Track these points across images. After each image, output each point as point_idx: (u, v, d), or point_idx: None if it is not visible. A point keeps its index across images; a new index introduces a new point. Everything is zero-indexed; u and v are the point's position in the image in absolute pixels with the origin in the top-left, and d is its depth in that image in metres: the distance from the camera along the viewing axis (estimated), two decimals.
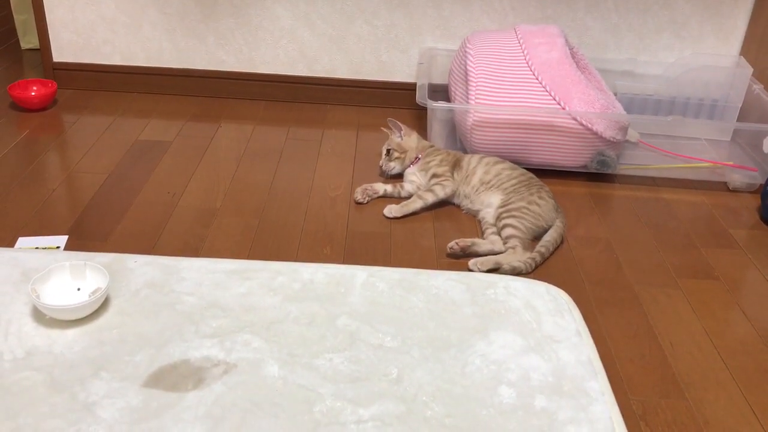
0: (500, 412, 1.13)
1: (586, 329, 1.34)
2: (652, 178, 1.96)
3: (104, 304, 1.31)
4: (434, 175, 1.78)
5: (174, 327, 1.27)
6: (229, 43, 2.27)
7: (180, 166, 1.88)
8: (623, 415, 1.14)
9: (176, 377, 1.15)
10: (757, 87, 2.07)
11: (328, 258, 1.53)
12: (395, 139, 1.83)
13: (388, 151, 1.81)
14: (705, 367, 1.28)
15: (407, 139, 1.82)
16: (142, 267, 1.43)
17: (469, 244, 1.58)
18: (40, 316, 1.27)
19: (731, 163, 2.01)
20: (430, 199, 1.73)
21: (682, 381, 1.24)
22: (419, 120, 2.24)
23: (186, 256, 1.50)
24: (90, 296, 1.27)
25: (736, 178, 1.95)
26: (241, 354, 1.21)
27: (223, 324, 1.29)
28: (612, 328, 1.36)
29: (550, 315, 1.37)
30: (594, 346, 1.29)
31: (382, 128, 1.82)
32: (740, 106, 2.13)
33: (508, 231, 1.58)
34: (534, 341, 1.30)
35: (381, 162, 1.81)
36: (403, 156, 1.81)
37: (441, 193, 1.75)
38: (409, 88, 2.28)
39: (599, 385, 1.20)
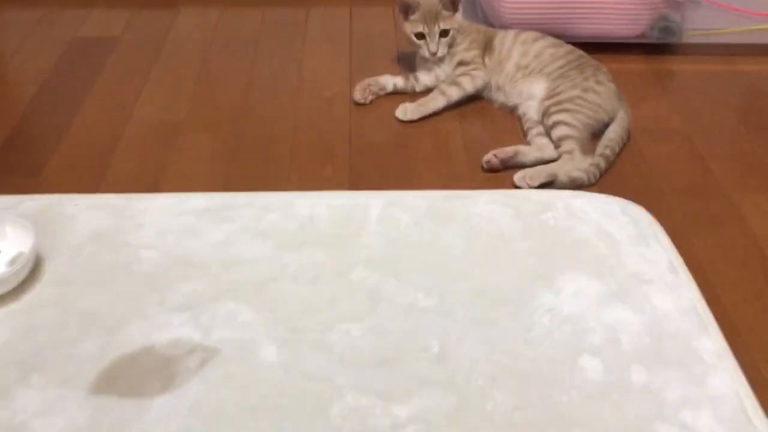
0: (587, 395, 0.85)
1: (682, 262, 1.05)
2: (726, 45, 1.65)
3: (36, 270, 1.01)
4: (460, 63, 1.42)
5: (131, 298, 0.98)
6: None
7: (131, 69, 1.56)
8: (752, 386, 0.87)
9: (137, 375, 0.87)
10: None
11: (330, 182, 1.22)
12: (457, 16, 1.42)
13: (445, 32, 1.40)
14: None
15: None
16: (85, 212, 1.13)
17: (511, 154, 1.26)
18: None
19: None
20: (455, 94, 1.39)
21: None
22: None
23: (143, 191, 1.19)
24: (8, 266, 0.96)
25: None
26: (224, 333, 0.93)
27: (197, 288, 0.99)
28: (713, 256, 1.08)
29: (632, 244, 1.07)
30: (696, 286, 1.00)
31: None
32: None
33: (560, 130, 1.26)
34: (616, 284, 1.01)
35: (431, 48, 1.40)
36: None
37: (470, 86, 1.40)
38: None
39: (713, 343, 0.92)
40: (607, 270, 1.03)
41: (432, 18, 1.41)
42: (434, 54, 1.43)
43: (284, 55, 1.61)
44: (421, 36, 1.43)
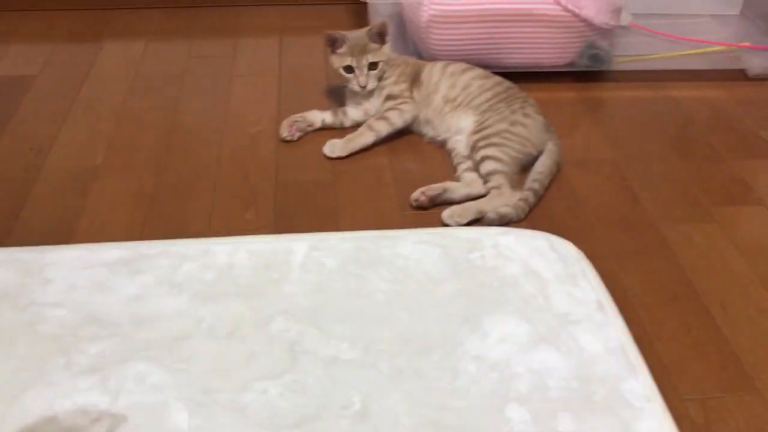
0: None
1: (610, 299, 1.03)
2: (655, 72, 1.64)
3: None
4: (389, 96, 1.39)
5: (35, 363, 0.92)
6: None
7: (47, 110, 1.49)
8: (680, 429, 0.85)
9: None
10: None
11: (252, 226, 1.18)
12: (385, 49, 1.39)
13: (374, 64, 1.37)
14: None
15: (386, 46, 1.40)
16: None
17: (439, 191, 1.23)
18: None
19: (747, 43, 1.69)
20: (384, 129, 1.36)
21: (747, 362, 0.95)
22: (358, 16, 1.85)
23: (55, 242, 1.13)
24: None
25: (757, 63, 1.64)
26: (133, 397, 0.87)
27: (105, 349, 0.94)
28: (641, 291, 1.06)
29: (560, 282, 1.05)
30: (624, 324, 0.99)
31: (327, 32, 1.38)
32: None
33: (488, 165, 1.24)
34: (543, 325, 0.98)
35: (360, 81, 1.36)
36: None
37: (398, 120, 1.37)
38: None
39: (641, 386, 0.90)
40: (534, 311, 1.01)
41: (360, 51, 1.39)
42: (363, 87, 1.40)
43: (210, 91, 1.56)
44: (349, 69, 1.40)
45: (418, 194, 1.23)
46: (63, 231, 1.16)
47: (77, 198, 1.23)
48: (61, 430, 0.84)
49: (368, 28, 1.42)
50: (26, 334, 0.96)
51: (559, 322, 0.99)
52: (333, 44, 1.40)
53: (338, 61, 1.40)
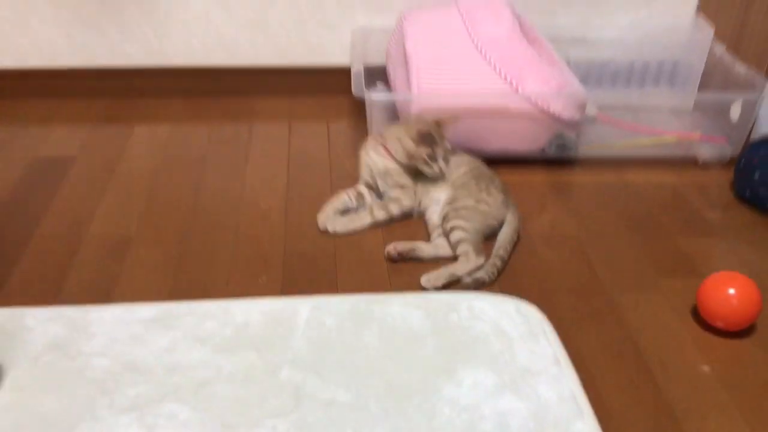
0: None
1: (565, 355, 1.20)
2: (616, 159, 1.83)
3: None
4: (398, 185, 1.59)
5: (83, 402, 1.09)
6: (134, 34, 2.03)
7: (86, 187, 1.66)
8: None
9: None
10: (719, 48, 1.94)
11: (264, 289, 1.35)
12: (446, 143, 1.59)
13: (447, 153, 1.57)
14: (700, 388, 1.16)
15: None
16: (43, 324, 1.24)
17: (409, 248, 1.43)
18: None
19: (698, 134, 1.89)
20: (382, 218, 1.55)
21: (678, 409, 1.12)
22: (357, 107, 2.06)
23: (96, 301, 1.31)
24: None
25: (705, 151, 1.83)
26: (167, 431, 1.04)
27: (142, 392, 1.11)
28: (593, 349, 1.23)
29: (524, 341, 1.23)
30: (576, 375, 1.16)
31: (421, 130, 1.54)
32: (702, 70, 2.01)
33: (456, 235, 1.43)
34: (508, 376, 1.15)
35: (439, 167, 1.55)
36: None
37: (397, 212, 1.56)
38: (344, 72, 2.09)
39: (587, 427, 1.07)
40: (501, 364, 1.18)
41: (439, 142, 1.56)
42: (443, 173, 1.56)
43: (228, 170, 1.75)
44: (432, 158, 1.54)
45: (391, 248, 1.42)
46: (103, 291, 1.34)
47: (115, 264, 1.41)
48: None
49: (436, 121, 1.58)
50: (76, 378, 1.13)
51: (521, 374, 1.16)
52: (424, 140, 1.55)
53: (422, 151, 1.54)
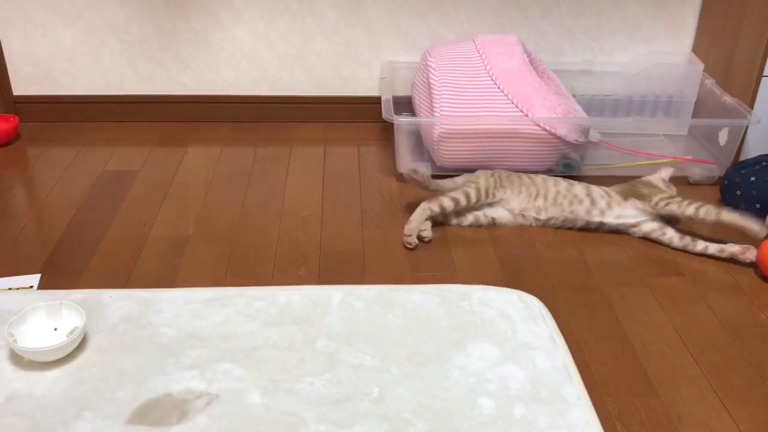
0: (481, 423, 1.16)
1: (560, 335, 1.37)
2: (616, 177, 2.00)
3: (82, 342, 1.31)
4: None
5: (154, 361, 1.28)
6: (190, 67, 2.27)
7: (149, 195, 1.88)
8: (599, 417, 1.18)
9: (160, 412, 1.16)
10: (709, 81, 2.13)
11: (303, 280, 1.55)
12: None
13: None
14: (675, 363, 1.32)
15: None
16: (117, 302, 1.44)
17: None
18: (18, 359, 1.27)
19: (690, 157, 2.07)
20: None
21: (654, 379, 1.28)
22: (385, 133, 2.26)
23: (161, 287, 1.51)
24: (68, 336, 1.27)
25: (696, 172, 2.00)
26: (223, 383, 1.23)
27: (202, 354, 1.30)
28: (584, 331, 1.40)
29: (524, 323, 1.40)
30: (568, 350, 1.33)
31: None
32: (694, 100, 2.19)
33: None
34: (510, 350, 1.33)
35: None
36: None
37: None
38: (373, 102, 2.31)
39: (575, 389, 1.24)
40: (504, 340, 1.36)
41: None
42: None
43: (271, 184, 1.96)
44: None
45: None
46: (165, 280, 1.54)
47: (175, 258, 1.62)
48: (176, 402, 1.19)
49: None
50: (147, 343, 1.33)
51: (522, 348, 1.33)
52: None
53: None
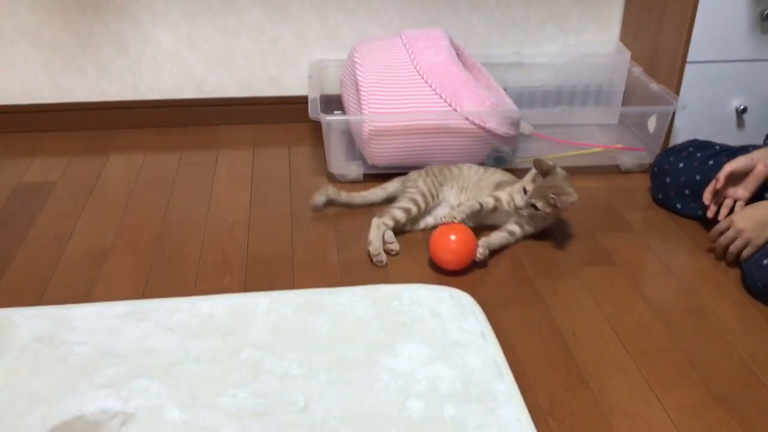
0: (409, 426, 1.13)
1: (491, 330, 1.36)
2: None
3: None
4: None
5: (67, 381, 1.22)
6: (110, 72, 2.19)
7: (67, 207, 1.80)
8: (531, 413, 1.17)
9: None
10: (637, 69, 2.15)
11: (228, 288, 1.50)
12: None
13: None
14: (607, 354, 1.32)
15: None
16: (29, 321, 1.37)
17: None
18: None
19: (621, 145, 2.09)
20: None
21: (586, 371, 1.27)
22: (316, 133, 2.22)
23: (77, 302, 1.44)
24: None
25: (627, 160, 2.02)
26: (140, 401, 1.18)
27: (119, 372, 1.24)
28: (516, 326, 1.39)
29: (455, 320, 1.38)
30: (499, 346, 1.32)
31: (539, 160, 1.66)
32: (623, 89, 2.21)
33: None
34: (440, 349, 1.31)
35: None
36: None
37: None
38: (303, 102, 2.24)
39: (506, 386, 1.22)
40: (434, 339, 1.33)
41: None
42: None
43: (196, 190, 1.90)
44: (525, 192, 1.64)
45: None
46: (83, 294, 1.47)
47: (93, 271, 1.55)
48: (88, 425, 1.13)
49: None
50: (60, 363, 1.26)
51: (452, 346, 1.31)
52: (541, 169, 1.64)
53: (527, 184, 1.65)
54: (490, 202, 1.65)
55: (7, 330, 1.34)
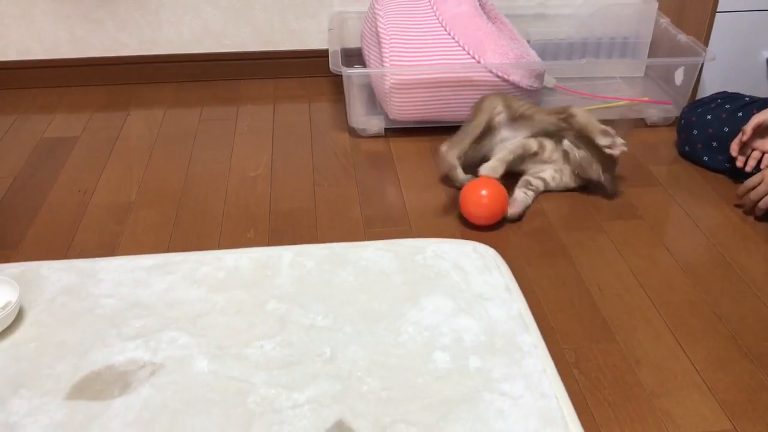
0: (436, 377, 1.14)
1: (515, 283, 1.35)
2: None
3: (19, 318, 1.26)
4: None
5: (95, 332, 1.23)
6: (129, 26, 2.17)
7: (89, 162, 1.81)
8: (556, 365, 1.17)
9: (101, 385, 1.12)
10: (664, 21, 2.09)
11: (252, 242, 1.50)
12: None
13: None
14: (633, 307, 1.31)
15: None
16: (56, 273, 1.38)
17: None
18: None
19: (647, 98, 2.05)
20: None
21: (611, 324, 1.27)
22: (337, 87, 2.20)
23: (102, 256, 1.45)
24: (0, 311, 1.22)
25: (653, 113, 1.98)
26: (168, 352, 1.19)
27: (146, 323, 1.25)
28: (541, 280, 1.38)
29: (479, 273, 1.38)
30: (524, 299, 1.31)
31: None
32: (650, 41, 2.16)
33: None
34: (464, 302, 1.30)
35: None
36: None
37: None
38: (324, 56, 2.23)
39: (531, 338, 1.22)
40: (458, 292, 1.33)
41: None
42: None
43: (217, 145, 1.90)
44: None
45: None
46: (107, 248, 1.48)
47: (117, 225, 1.56)
48: (117, 374, 1.15)
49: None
50: (87, 314, 1.28)
51: (476, 299, 1.31)
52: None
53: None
54: (533, 145, 1.64)
55: (34, 283, 1.36)
